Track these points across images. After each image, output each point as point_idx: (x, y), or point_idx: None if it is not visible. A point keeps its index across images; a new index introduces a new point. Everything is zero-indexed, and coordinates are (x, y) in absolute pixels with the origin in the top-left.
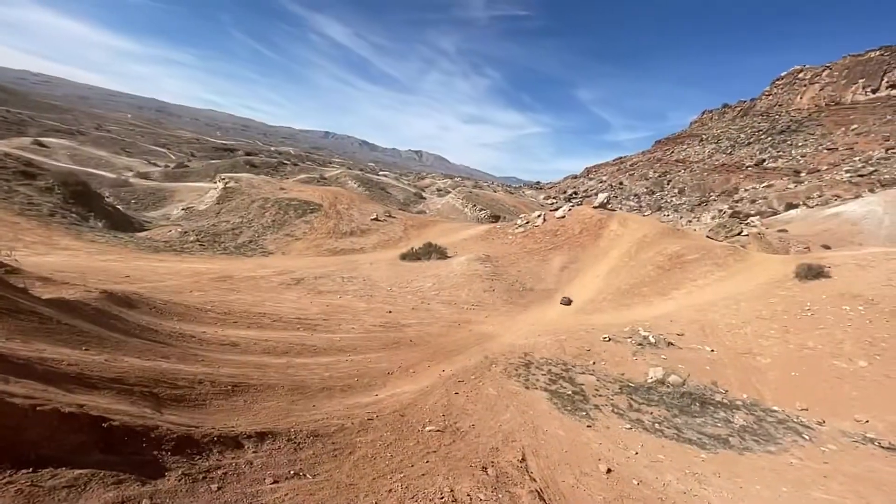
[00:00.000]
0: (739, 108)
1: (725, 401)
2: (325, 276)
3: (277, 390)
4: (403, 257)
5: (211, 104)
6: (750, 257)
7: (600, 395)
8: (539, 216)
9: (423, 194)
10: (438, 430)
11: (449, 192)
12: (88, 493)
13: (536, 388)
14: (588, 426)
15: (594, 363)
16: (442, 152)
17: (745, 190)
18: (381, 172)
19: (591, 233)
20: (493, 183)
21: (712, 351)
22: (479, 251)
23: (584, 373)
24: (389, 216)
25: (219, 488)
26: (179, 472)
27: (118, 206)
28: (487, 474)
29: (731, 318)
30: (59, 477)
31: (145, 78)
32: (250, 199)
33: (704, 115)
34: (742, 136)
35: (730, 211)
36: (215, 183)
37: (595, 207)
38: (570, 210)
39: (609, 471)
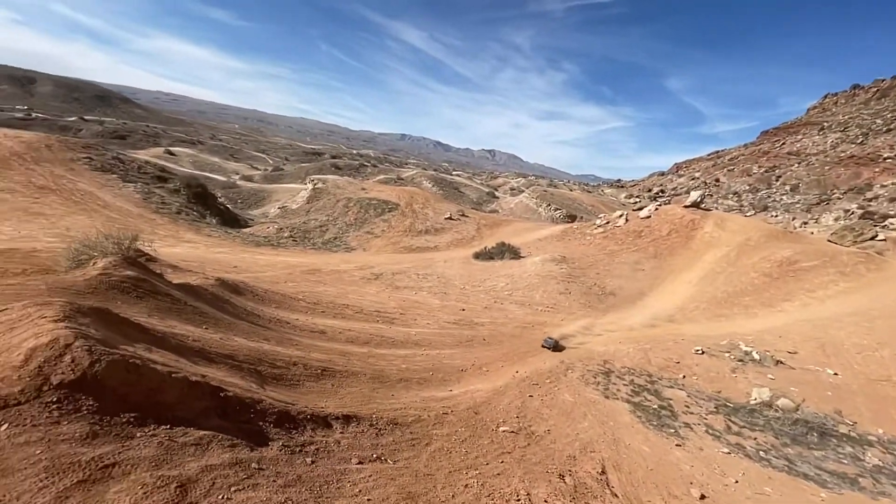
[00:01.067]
0: (876, 89)
1: (854, 434)
2: (402, 272)
3: (360, 377)
4: (477, 256)
5: (302, 112)
6: (889, 266)
7: (691, 413)
8: (620, 216)
9: (496, 193)
10: (512, 432)
11: (522, 192)
12: (210, 451)
13: (617, 399)
14: (677, 445)
15: (684, 377)
16: (515, 151)
17: (883, 186)
18: (454, 172)
19: (682, 234)
20: (568, 181)
21: (835, 374)
22: (555, 252)
23: (671, 386)
24: (463, 215)
25: (312, 462)
26: (280, 444)
27: (228, 206)
28: (565, 482)
29: (861, 337)
30: (189, 435)
31: (249, 92)
32: (335, 199)
33: (827, 100)
34: (879, 121)
35: (860, 211)
36: (306, 184)
37: (686, 207)
38: (656, 209)
39: (703, 497)
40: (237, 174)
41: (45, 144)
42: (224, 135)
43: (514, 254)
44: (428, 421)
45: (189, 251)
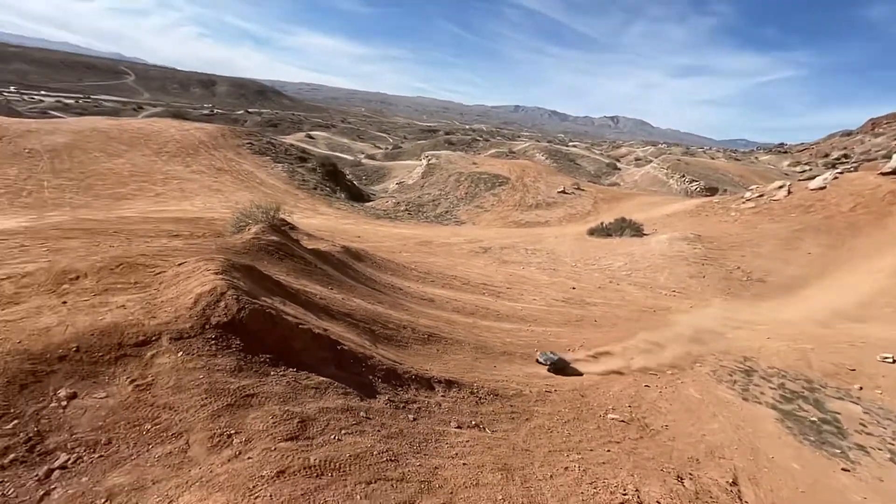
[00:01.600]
0: None
1: None
2: (510, 246)
3: (464, 346)
4: (591, 232)
5: (419, 91)
6: None
7: (869, 434)
8: (781, 187)
9: (618, 165)
10: (622, 421)
11: (650, 161)
12: (327, 396)
13: (759, 403)
14: (844, 469)
15: (861, 388)
16: (643, 116)
17: None
18: (570, 143)
19: (873, 210)
20: (710, 148)
21: None
22: (686, 229)
23: (841, 398)
24: (578, 189)
25: (414, 419)
26: (386, 398)
27: (354, 182)
28: (684, 486)
29: None
30: (310, 379)
31: (373, 76)
32: (447, 174)
33: None
34: None
35: None
36: (420, 161)
37: (884, 174)
38: (834, 178)
39: None
40: (362, 153)
41: (220, 134)
42: (352, 118)
43: (636, 231)
44: (529, 397)
45: (322, 222)
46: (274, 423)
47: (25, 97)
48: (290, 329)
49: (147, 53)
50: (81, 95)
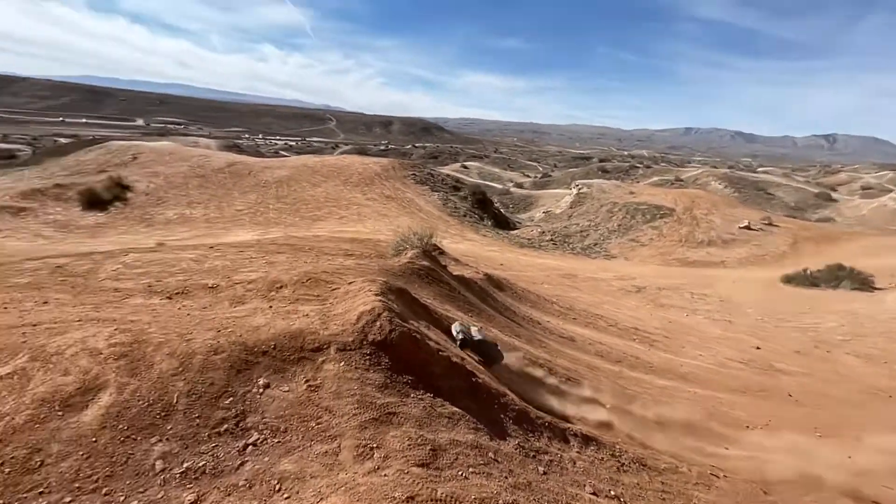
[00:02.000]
0: None
1: None
2: (671, 288)
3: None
4: (788, 280)
5: (573, 119)
6: None
7: None
8: None
9: (833, 195)
10: None
11: (890, 191)
12: (458, 428)
13: None
14: None
15: None
16: (874, 132)
17: None
18: (760, 169)
19: None
20: None
21: None
22: None
23: None
24: (769, 224)
25: (544, 473)
26: (516, 442)
27: (501, 210)
28: None
29: None
30: (444, 408)
31: (526, 108)
32: (599, 204)
33: None
34: None
35: None
36: (570, 189)
37: None
38: None
39: None
40: (511, 182)
41: (391, 167)
42: (504, 148)
43: (862, 282)
44: (687, 476)
45: (469, 247)
46: (409, 445)
47: (268, 142)
48: (431, 354)
49: (345, 102)
50: (300, 139)
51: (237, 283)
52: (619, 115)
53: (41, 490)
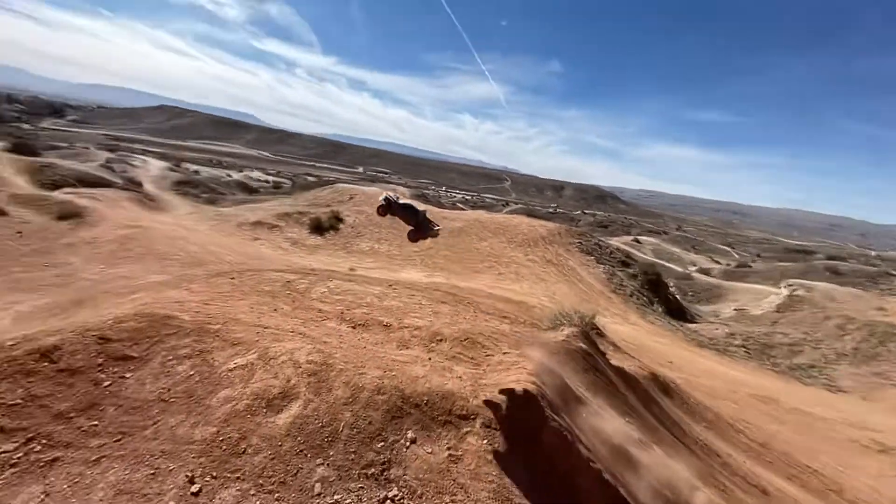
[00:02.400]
0: None
1: None
2: None
3: None
4: None
5: (789, 202)
6: None
7: None
8: None
9: None
10: None
11: None
12: None
13: None
14: None
15: None
16: None
17: None
18: None
19: None
20: None
21: None
22: None
23: None
24: None
25: None
26: None
27: (677, 297)
28: None
29: None
30: None
31: (725, 184)
32: (823, 315)
33: None
34: None
35: None
36: (779, 288)
37: None
38: None
39: None
40: (694, 265)
41: (558, 232)
42: (690, 226)
43: None
44: None
45: (631, 333)
46: None
47: (448, 194)
48: (579, 461)
49: (522, 165)
50: (475, 194)
51: (405, 327)
52: (862, 203)
53: (238, 476)
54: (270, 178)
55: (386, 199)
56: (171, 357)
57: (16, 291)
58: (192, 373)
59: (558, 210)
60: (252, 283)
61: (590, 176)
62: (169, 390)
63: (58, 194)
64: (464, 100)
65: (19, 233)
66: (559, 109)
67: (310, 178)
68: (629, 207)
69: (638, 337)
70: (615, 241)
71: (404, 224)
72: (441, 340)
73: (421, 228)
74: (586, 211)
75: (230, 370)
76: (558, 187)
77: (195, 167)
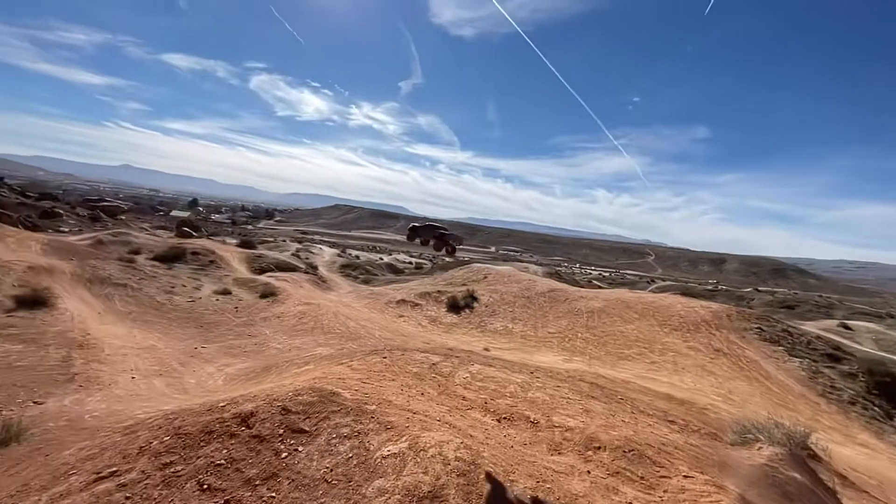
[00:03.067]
0: None
1: None
2: None
3: None
4: None
5: None
6: None
7: None
8: None
9: None
10: None
11: None
12: None
13: None
14: None
15: None
16: None
17: None
18: None
19: None
20: None
21: None
22: None
23: None
24: None
25: None
26: None
27: None
28: None
29: None
30: None
31: None
32: None
33: None
34: None
35: None
36: None
37: None
38: None
39: None
40: None
41: (726, 314)
42: None
43: None
44: None
45: (861, 458)
46: None
47: (583, 271)
48: None
49: (668, 238)
50: (614, 270)
51: (555, 427)
52: None
53: None
54: (413, 260)
55: (412, 226)
56: (334, 435)
57: (228, 356)
58: (350, 455)
59: (720, 287)
60: (401, 364)
61: (758, 246)
62: (331, 471)
63: (262, 277)
64: (595, 175)
65: (236, 308)
66: (710, 175)
67: (446, 259)
68: (823, 283)
69: (874, 466)
70: (811, 327)
71: (538, 303)
72: (599, 448)
73: (445, 240)
74: (760, 288)
75: (384, 457)
76: (717, 260)
77: (356, 252)
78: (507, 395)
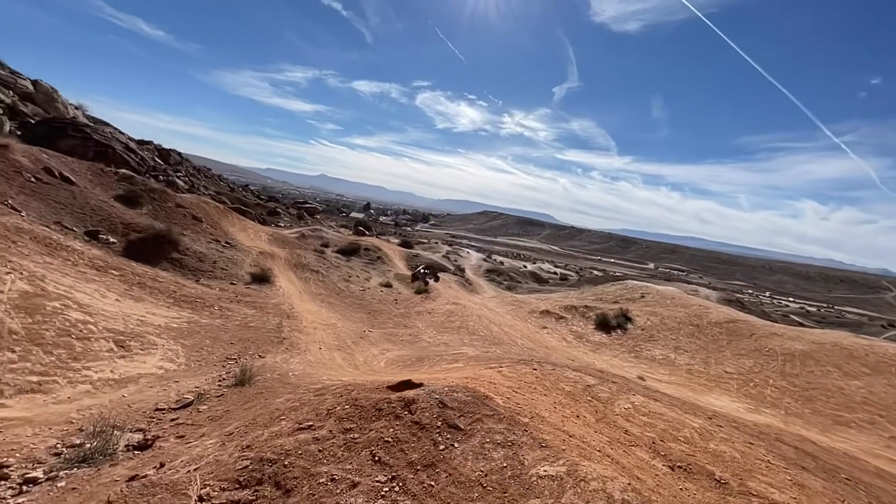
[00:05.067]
0: None
1: None
2: None
3: None
4: None
5: None
6: None
7: None
8: None
9: None
10: None
11: None
12: None
13: None
14: None
15: None
16: None
17: None
18: None
19: None
20: None
21: None
22: None
23: None
24: None
25: None
26: None
27: None
28: None
29: None
30: None
31: None
32: None
33: None
34: None
35: None
36: None
37: None
38: None
39: None
40: None
41: None
42: None
43: None
44: None
45: None
46: None
47: (775, 302)
48: None
49: None
50: (825, 305)
51: (752, 495)
52: None
53: None
54: (558, 271)
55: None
56: (488, 440)
57: (388, 342)
58: (504, 465)
59: None
60: (553, 379)
61: None
62: (486, 476)
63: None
64: (801, 183)
65: (395, 300)
66: None
67: (595, 273)
68: None
69: None
70: None
71: (711, 334)
72: None
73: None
74: None
75: (540, 477)
76: None
77: (501, 258)
78: (682, 439)
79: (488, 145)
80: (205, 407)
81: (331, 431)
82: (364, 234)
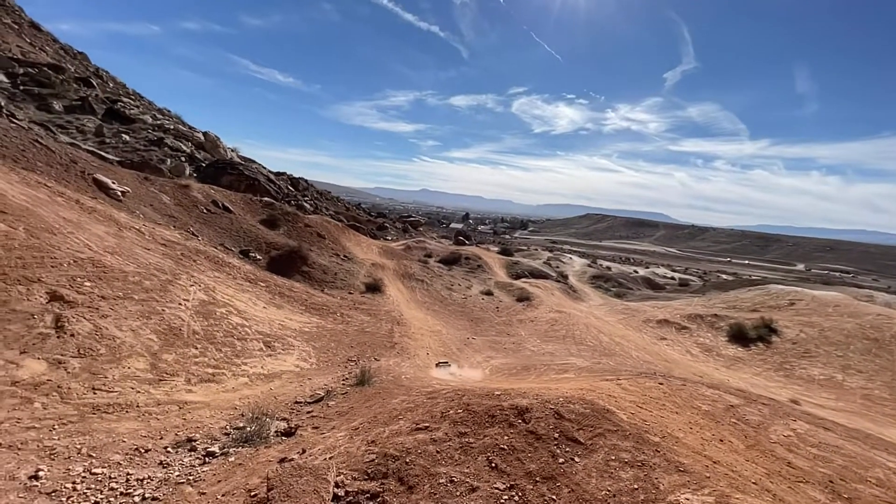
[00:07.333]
0: None
1: None
2: None
3: None
4: None
5: None
6: None
7: None
8: None
9: None
10: None
11: None
12: None
13: None
14: None
15: None
16: None
17: None
18: None
19: None
20: None
21: None
22: None
23: None
24: None
25: None
26: None
27: None
28: None
29: None
30: None
31: None
32: None
33: None
34: None
35: None
36: None
37: None
38: None
39: None
40: None
41: None
42: None
43: None
44: None
45: None
46: None
47: None
48: None
49: None
50: None
51: None
52: None
53: None
54: (677, 275)
55: None
56: (613, 457)
57: (491, 349)
58: (635, 486)
59: None
60: (684, 396)
61: None
62: (614, 496)
63: (518, 282)
64: None
65: (497, 308)
66: None
67: (724, 277)
68: None
69: None
70: None
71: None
72: None
73: None
74: None
75: None
76: None
77: (607, 263)
78: (871, 481)
79: (590, 144)
80: (333, 403)
81: (446, 434)
82: (464, 244)
